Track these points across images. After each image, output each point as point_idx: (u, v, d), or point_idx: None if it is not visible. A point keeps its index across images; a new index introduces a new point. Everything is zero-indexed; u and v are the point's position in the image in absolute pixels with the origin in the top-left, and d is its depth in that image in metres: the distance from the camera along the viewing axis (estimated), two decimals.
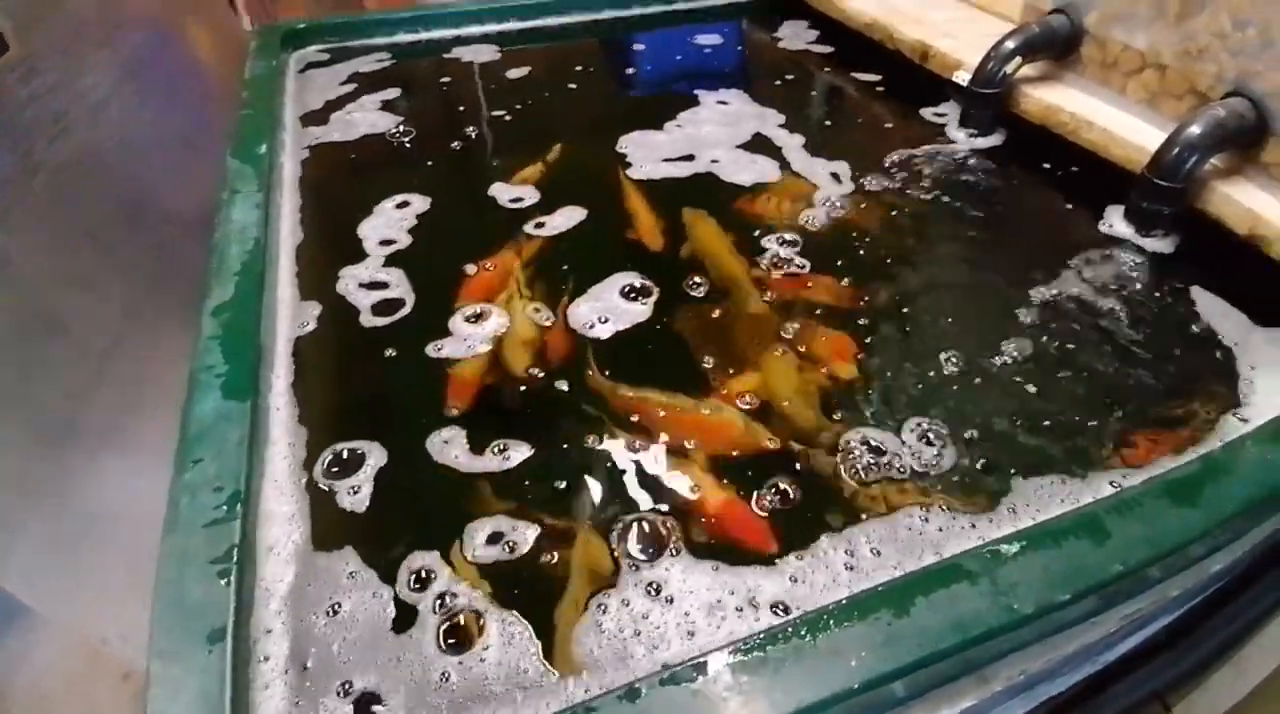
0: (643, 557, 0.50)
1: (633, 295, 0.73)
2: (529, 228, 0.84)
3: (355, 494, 0.55)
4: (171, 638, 0.42)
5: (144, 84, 1.21)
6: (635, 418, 0.60)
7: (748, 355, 0.66)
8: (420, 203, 0.89)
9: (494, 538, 0.51)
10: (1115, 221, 0.79)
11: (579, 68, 1.23)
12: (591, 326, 0.70)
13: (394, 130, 1.05)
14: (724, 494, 0.53)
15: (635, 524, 0.52)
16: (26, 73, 0.95)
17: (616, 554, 0.50)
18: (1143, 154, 0.78)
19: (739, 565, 0.48)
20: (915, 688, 0.39)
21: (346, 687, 0.43)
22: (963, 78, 0.97)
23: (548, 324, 0.70)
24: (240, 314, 0.63)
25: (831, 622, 0.39)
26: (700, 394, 0.62)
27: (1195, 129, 0.73)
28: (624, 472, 0.56)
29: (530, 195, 0.90)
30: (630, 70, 1.25)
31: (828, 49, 1.25)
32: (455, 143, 1.03)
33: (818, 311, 0.70)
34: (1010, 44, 0.91)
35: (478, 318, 0.71)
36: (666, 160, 0.96)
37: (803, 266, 0.76)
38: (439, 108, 1.15)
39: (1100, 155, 0.84)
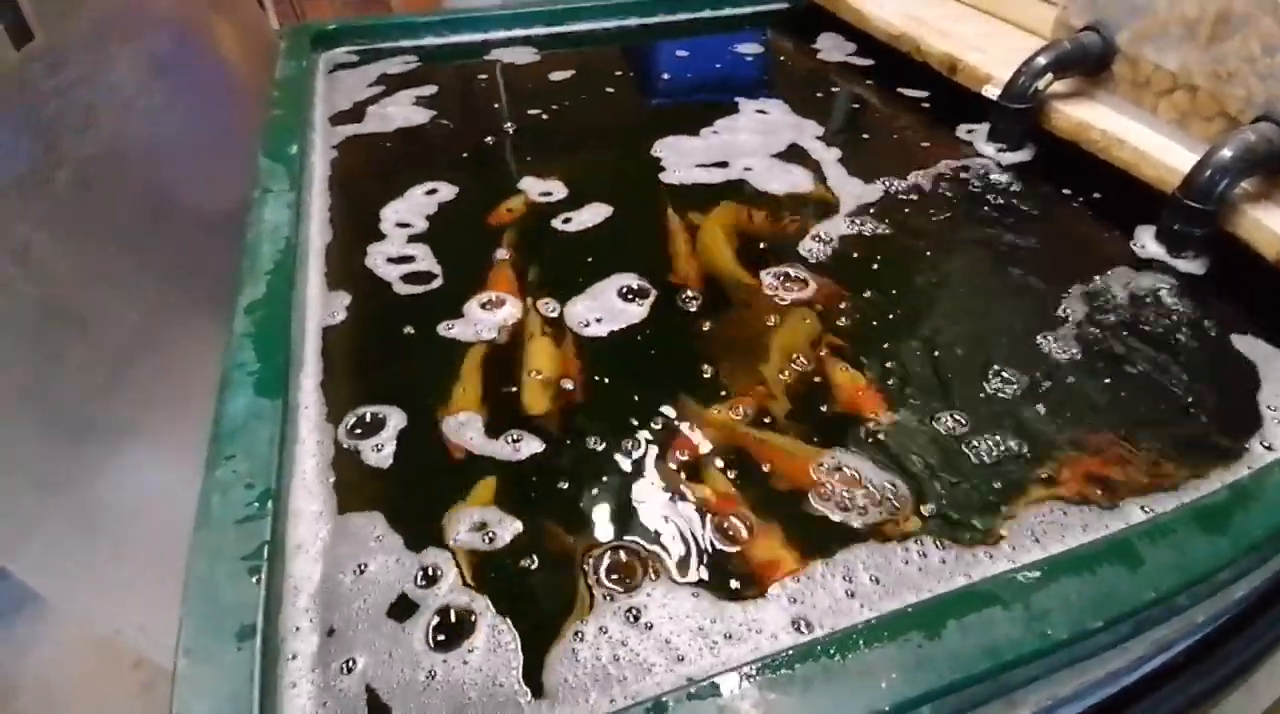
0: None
1: (630, 296, 0.74)
2: (557, 223, 0.85)
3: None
4: (201, 635, 0.42)
5: (172, 81, 1.22)
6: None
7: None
8: (448, 191, 0.92)
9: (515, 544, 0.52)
10: (1147, 241, 0.79)
11: (616, 73, 1.24)
12: (587, 325, 0.70)
13: (425, 128, 1.06)
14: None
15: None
16: (54, 64, 0.95)
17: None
18: (1174, 174, 0.78)
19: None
20: (943, 711, 0.39)
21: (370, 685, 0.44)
22: (992, 92, 0.96)
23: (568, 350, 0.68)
24: (273, 312, 0.64)
25: (861, 641, 0.39)
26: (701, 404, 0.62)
27: (1227, 152, 0.72)
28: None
29: (559, 190, 0.92)
30: (666, 76, 1.26)
31: (867, 62, 1.24)
32: (488, 138, 1.05)
33: (829, 331, 0.70)
34: (1042, 60, 0.91)
35: (489, 306, 0.72)
36: (700, 166, 0.96)
37: (813, 278, 0.76)
38: (468, 109, 1.16)
39: (1131, 174, 0.84)
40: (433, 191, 0.91)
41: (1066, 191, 0.89)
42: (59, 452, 0.89)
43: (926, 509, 0.53)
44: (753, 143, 1.01)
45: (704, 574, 0.49)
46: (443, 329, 0.70)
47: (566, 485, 0.56)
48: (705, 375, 0.65)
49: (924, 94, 1.12)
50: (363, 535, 0.52)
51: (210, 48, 1.46)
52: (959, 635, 0.39)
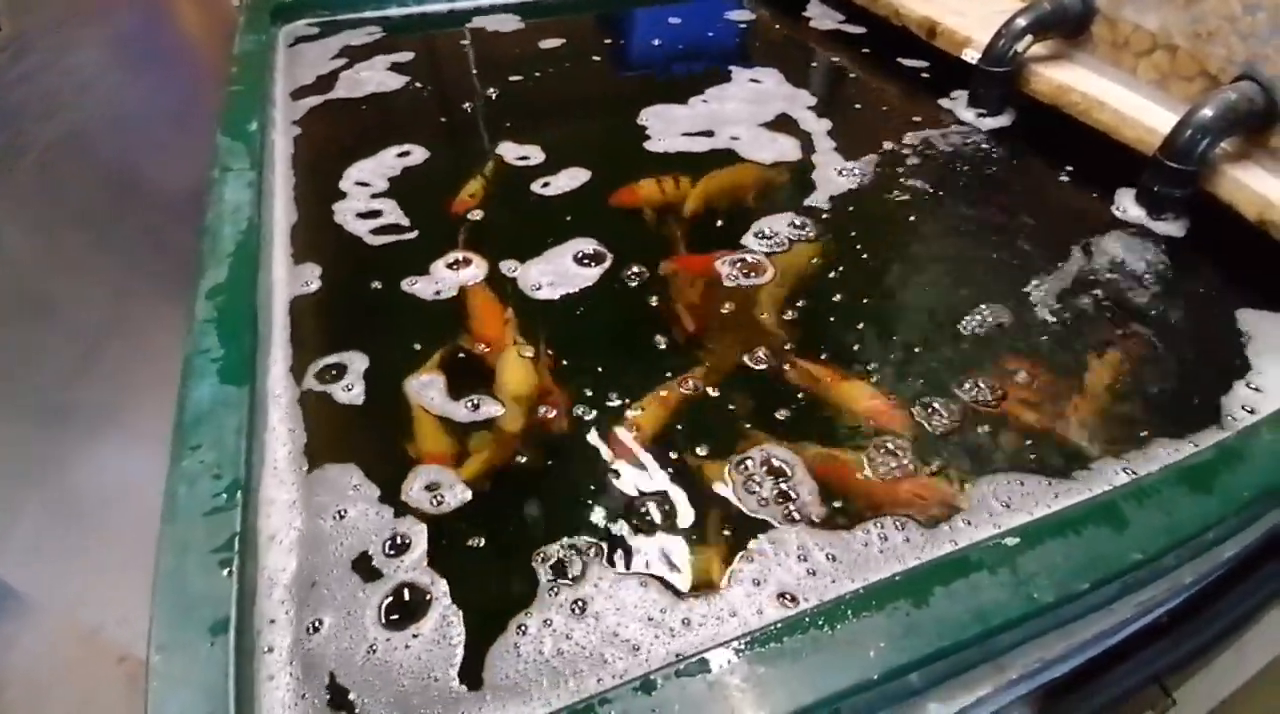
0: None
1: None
2: (536, 187, 0.85)
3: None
4: (172, 630, 0.40)
5: (133, 60, 1.18)
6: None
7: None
8: (419, 154, 0.91)
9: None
10: (1127, 204, 0.78)
11: (606, 40, 1.22)
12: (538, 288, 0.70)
13: (391, 96, 1.04)
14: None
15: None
16: (17, 52, 0.93)
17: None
18: (1154, 136, 0.77)
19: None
20: (932, 677, 0.39)
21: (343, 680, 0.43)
22: (972, 56, 0.95)
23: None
24: (236, 296, 0.61)
25: (849, 612, 0.38)
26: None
27: (1208, 112, 0.72)
28: None
29: (536, 154, 0.91)
30: (656, 42, 1.23)
31: (858, 29, 1.22)
32: (466, 104, 1.03)
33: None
34: (1022, 21, 0.89)
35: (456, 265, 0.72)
36: (685, 135, 0.94)
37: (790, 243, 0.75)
38: (445, 75, 1.13)
39: (1111, 137, 0.83)
40: (405, 153, 0.89)
41: (1046, 156, 0.89)
42: (34, 440, 0.87)
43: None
44: (742, 112, 0.99)
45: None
46: (407, 284, 0.71)
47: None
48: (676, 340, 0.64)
49: (919, 64, 1.10)
50: (334, 510, 0.50)
51: (171, 25, 1.41)
52: (946, 602, 0.38)
